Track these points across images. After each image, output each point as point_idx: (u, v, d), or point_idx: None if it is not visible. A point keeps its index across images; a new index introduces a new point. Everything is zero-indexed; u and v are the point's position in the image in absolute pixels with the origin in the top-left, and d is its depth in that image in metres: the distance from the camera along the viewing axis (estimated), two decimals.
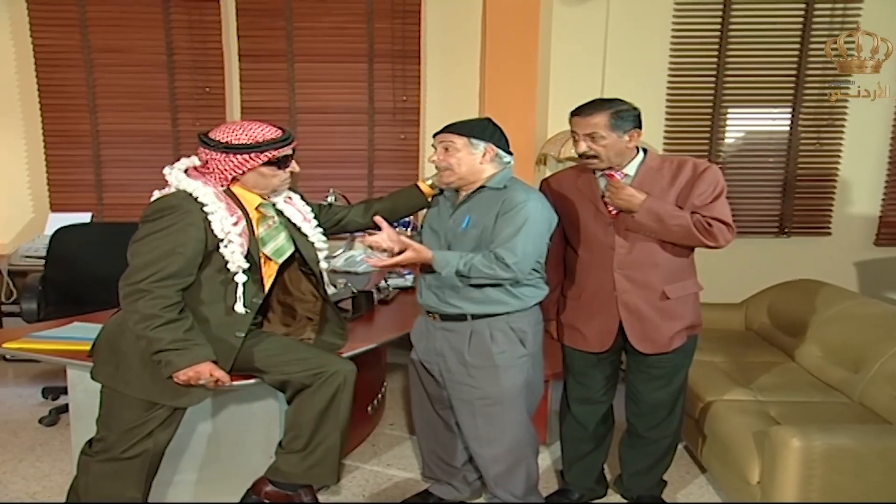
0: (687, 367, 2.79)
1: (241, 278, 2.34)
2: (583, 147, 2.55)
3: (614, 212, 2.60)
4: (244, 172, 2.38)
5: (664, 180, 2.59)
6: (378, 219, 2.62)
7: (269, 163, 2.38)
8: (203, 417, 2.77)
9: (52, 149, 5.07)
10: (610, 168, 2.58)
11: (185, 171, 2.39)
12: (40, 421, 3.78)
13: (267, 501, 2.47)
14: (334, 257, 4.43)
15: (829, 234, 5.04)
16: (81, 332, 2.81)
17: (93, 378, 2.37)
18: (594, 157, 2.55)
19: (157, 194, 2.36)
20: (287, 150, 2.43)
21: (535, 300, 2.62)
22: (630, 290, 2.61)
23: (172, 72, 5.00)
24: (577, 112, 2.57)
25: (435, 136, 2.61)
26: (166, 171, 2.37)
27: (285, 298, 2.71)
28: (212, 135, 2.37)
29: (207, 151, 2.37)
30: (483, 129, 2.55)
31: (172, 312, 2.21)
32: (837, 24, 4.75)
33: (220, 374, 2.29)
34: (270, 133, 2.38)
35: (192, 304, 2.32)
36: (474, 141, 2.52)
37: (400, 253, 2.48)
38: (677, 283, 2.63)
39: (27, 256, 4.60)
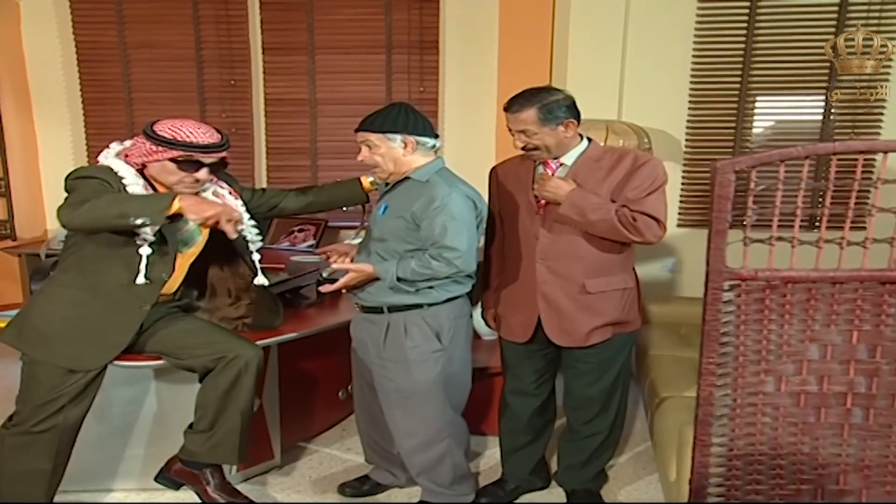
0: (621, 363, 2.70)
1: (145, 251, 2.39)
2: (520, 143, 2.53)
3: (543, 202, 2.56)
4: (151, 161, 2.44)
5: (601, 171, 2.53)
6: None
7: (174, 161, 2.41)
8: (150, 397, 2.92)
9: (93, 140, 5.38)
10: (556, 157, 2.55)
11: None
12: None
13: (176, 479, 2.57)
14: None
15: (865, 228, 4.68)
16: None
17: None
18: (535, 149, 2.52)
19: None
20: (199, 157, 2.43)
21: (452, 294, 2.57)
22: (550, 281, 2.56)
23: (201, 65, 5.21)
24: (506, 108, 2.53)
25: (355, 132, 2.60)
26: (102, 156, 2.50)
27: (231, 279, 2.81)
28: (156, 124, 2.45)
29: (139, 135, 2.47)
30: (395, 121, 2.50)
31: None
32: (876, 5, 4.44)
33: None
34: (198, 137, 2.40)
35: (100, 275, 2.44)
36: (389, 135, 2.50)
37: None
38: (601, 277, 2.56)
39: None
